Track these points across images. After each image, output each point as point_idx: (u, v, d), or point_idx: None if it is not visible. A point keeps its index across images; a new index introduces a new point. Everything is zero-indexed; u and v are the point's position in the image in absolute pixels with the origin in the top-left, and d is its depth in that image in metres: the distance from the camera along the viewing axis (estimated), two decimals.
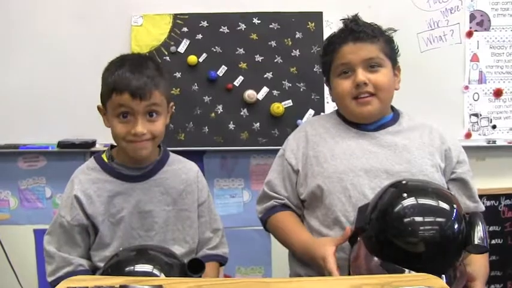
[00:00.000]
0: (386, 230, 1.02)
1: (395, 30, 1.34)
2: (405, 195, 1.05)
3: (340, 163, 1.26)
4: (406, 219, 1.01)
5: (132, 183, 1.25)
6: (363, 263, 1.05)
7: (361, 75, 1.24)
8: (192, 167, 1.36)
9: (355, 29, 1.26)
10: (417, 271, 0.95)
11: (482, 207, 1.33)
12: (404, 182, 1.10)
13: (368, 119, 1.30)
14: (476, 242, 0.98)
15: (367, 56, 1.25)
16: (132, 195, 1.24)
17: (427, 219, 1.01)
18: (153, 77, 1.18)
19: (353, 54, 1.25)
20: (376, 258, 1.01)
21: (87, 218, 1.23)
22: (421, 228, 1.00)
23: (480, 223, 1.01)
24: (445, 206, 1.03)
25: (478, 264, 1.20)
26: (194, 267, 1.05)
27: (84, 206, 1.22)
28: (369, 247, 1.04)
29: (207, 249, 1.34)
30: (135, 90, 1.15)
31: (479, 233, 0.99)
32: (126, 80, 1.15)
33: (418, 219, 1.01)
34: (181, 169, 1.32)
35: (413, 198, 1.04)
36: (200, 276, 1.06)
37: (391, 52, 1.30)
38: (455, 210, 1.03)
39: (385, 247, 1.01)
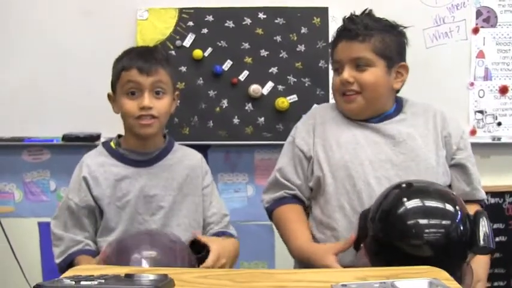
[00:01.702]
0: (389, 232, 1.02)
1: (405, 27, 1.33)
2: (408, 197, 1.04)
3: (345, 152, 1.28)
4: (409, 222, 1.00)
5: (138, 168, 1.29)
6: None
7: (347, 73, 1.27)
8: (195, 154, 1.41)
9: (348, 27, 1.29)
10: None
11: (482, 195, 1.32)
12: (407, 184, 1.09)
13: (354, 115, 1.32)
14: (481, 244, 0.97)
15: (354, 56, 1.27)
16: (137, 179, 1.28)
17: (431, 221, 1.00)
18: (160, 59, 1.27)
19: (343, 53, 1.29)
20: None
21: (93, 200, 1.26)
22: (426, 230, 0.99)
23: (484, 223, 0.99)
24: (449, 207, 1.02)
25: (479, 262, 1.19)
26: (196, 248, 1.06)
27: (91, 188, 1.26)
28: (372, 251, 1.03)
29: (216, 227, 1.35)
30: (142, 66, 1.23)
31: (484, 233, 0.98)
32: (134, 60, 1.24)
33: (422, 221, 1.00)
34: (185, 156, 1.37)
35: (416, 200, 1.03)
36: (202, 257, 1.07)
37: (387, 51, 1.28)
38: (459, 211, 1.02)
39: (389, 250, 1.01)
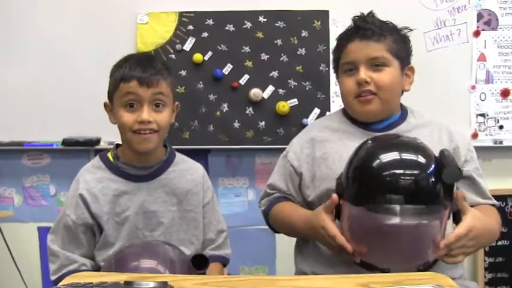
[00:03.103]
0: (362, 180, 1.05)
1: (411, 30, 1.32)
2: (374, 147, 1.08)
3: None
4: (381, 171, 1.03)
5: (138, 182, 1.25)
6: (346, 226, 1.07)
7: (363, 73, 1.23)
8: (198, 167, 1.36)
9: (362, 27, 1.25)
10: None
11: (495, 203, 1.30)
12: (373, 138, 1.14)
13: (370, 118, 1.29)
14: (447, 169, 0.99)
15: (371, 55, 1.23)
16: (137, 195, 1.24)
17: (402, 169, 1.03)
18: (160, 69, 1.22)
19: (357, 53, 1.25)
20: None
21: (92, 217, 1.23)
22: (400, 178, 1.01)
23: (448, 153, 1.03)
24: (414, 153, 1.05)
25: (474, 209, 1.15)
26: (198, 263, 1.05)
27: (89, 205, 1.22)
28: (349, 200, 1.06)
29: (209, 250, 1.33)
30: (143, 78, 1.18)
31: (448, 161, 1.01)
32: (134, 70, 1.19)
33: (393, 169, 1.02)
34: (187, 169, 1.32)
35: (385, 150, 1.06)
36: (204, 272, 1.05)
37: (400, 52, 1.27)
38: (425, 153, 1.05)
39: (365, 196, 1.03)
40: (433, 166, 1.02)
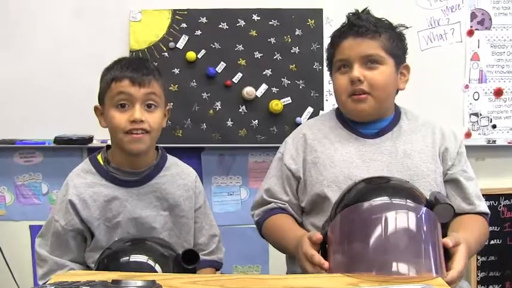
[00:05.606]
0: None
1: (406, 27, 1.29)
2: (370, 193, 0.99)
3: (340, 171, 1.22)
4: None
5: (129, 188, 1.23)
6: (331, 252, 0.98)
7: (357, 71, 1.20)
8: (189, 172, 1.34)
9: (356, 24, 1.23)
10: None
11: (482, 209, 1.25)
12: (366, 180, 1.05)
13: (363, 117, 1.26)
14: (438, 206, 0.94)
15: (365, 53, 1.21)
16: (128, 200, 1.23)
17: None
18: (153, 69, 1.21)
19: (351, 50, 1.22)
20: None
21: (82, 223, 1.21)
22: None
23: (439, 195, 0.98)
24: (404, 197, 0.97)
25: (467, 231, 1.11)
26: (188, 259, 1.04)
27: (79, 210, 1.20)
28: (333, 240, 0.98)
29: (202, 255, 1.31)
30: (135, 77, 1.17)
31: (440, 200, 0.96)
32: (125, 70, 1.18)
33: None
34: (178, 174, 1.30)
35: (375, 194, 0.98)
36: (195, 268, 1.05)
37: (395, 49, 1.24)
38: (415, 197, 0.98)
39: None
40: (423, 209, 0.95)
